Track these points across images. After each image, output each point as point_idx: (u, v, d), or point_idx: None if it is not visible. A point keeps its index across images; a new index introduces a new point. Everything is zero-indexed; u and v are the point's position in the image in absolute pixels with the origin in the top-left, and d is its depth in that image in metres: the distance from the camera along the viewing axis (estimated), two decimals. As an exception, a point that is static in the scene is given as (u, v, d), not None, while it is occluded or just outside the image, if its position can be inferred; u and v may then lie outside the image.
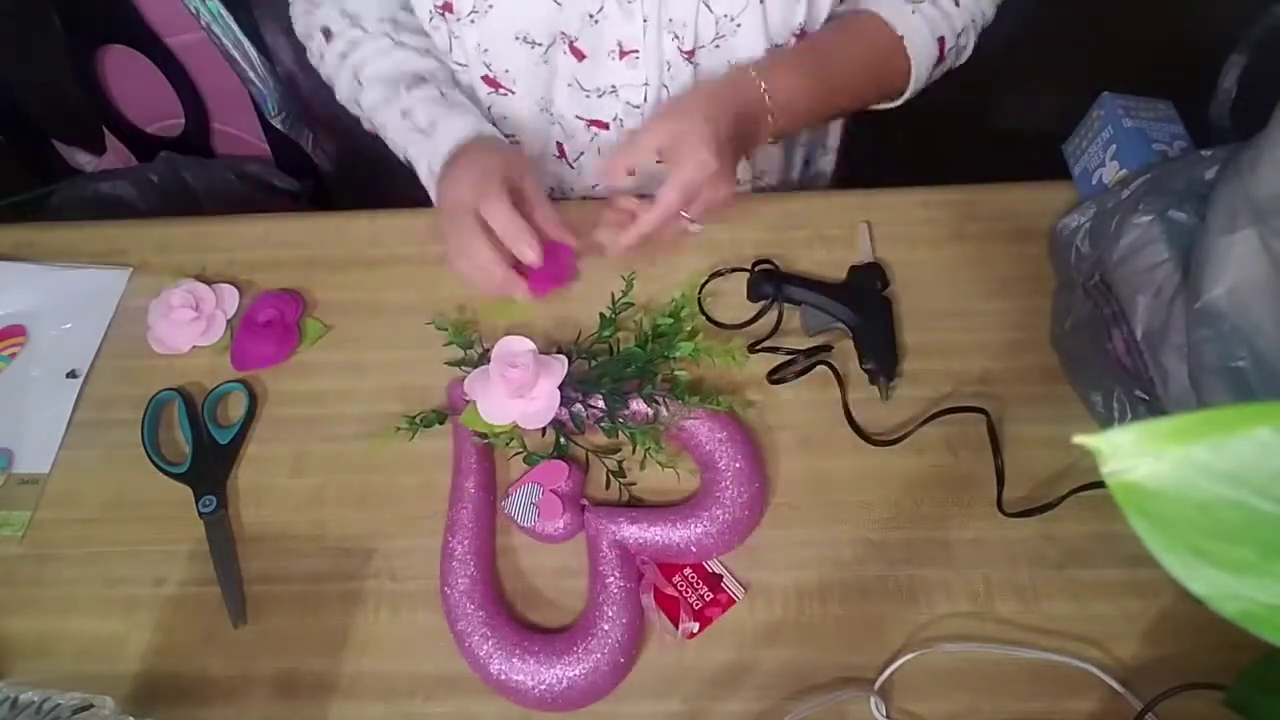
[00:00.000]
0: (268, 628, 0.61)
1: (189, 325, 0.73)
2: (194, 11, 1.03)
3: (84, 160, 1.26)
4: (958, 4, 0.70)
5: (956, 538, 0.61)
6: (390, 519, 0.65)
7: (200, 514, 0.65)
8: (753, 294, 0.72)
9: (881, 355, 0.68)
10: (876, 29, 0.68)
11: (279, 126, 1.16)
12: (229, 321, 0.75)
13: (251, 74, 1.09)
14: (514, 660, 0.56)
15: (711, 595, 0.60)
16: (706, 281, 0.73)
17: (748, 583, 0.60)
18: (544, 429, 0.65)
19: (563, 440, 0.66)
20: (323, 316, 0.75)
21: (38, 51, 1.09)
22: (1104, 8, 1.09)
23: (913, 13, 0.68)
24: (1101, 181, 0.71)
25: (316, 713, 0.57)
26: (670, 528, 0.60)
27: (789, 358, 0.68)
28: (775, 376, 0.68)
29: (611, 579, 0.58)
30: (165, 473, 0.67)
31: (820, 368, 0.68)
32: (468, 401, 0.65)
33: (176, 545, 0.64)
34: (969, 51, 0.73)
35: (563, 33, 0.67)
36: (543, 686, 0.55)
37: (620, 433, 0.65)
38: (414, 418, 0.67)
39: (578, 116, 0.75)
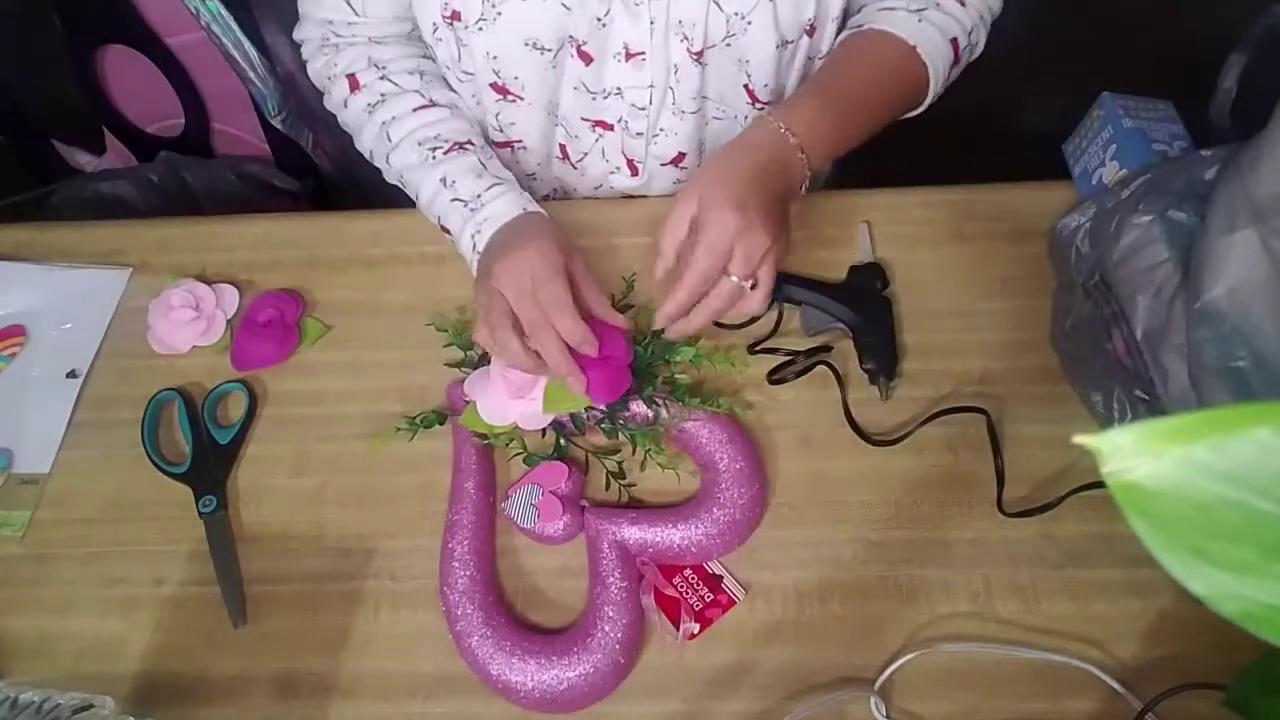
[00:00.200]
0: (268, 628, 0.61)
1: (189, 325, 0.73)
2: (194, 11, 1.03)
3: (84, 160, 1.26)
4: (963, 3, 0.69)
5: (956, 538, 0.61)
6: (390, 519, 0.65)
7: (200, 514, 0.65)
8: (753, 294, 0.72)
9: (881, 355, 0.68)
10: (886, 42, 0.68)
11: (279, 126, 1.16)
12: (229, 321, 0.75)
13: (251, 74, 1.09)
14: (514, 661, 0.56)
15: (712, 596, 0.60)
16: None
17: (748, 583, 0.60)
18: (544, 430, 0.65)
19: (563, 441, 0.66)
20: (323, 316, 0.75)
21: (38, 51, 1.09)
22: (1104, 8, 1.09)
23: (919, 21, 0.68)
24: (1101, 181, 0.71)
25: (316, 713, 0.57)
26: (670, 529, 0.60)
27: (789, 358, 0.68)
28: (775, 377, 0.68)
29: (612, 580, 0.58)
30: (165, 473, 0.67)
31: (820, 368, 0.68)
32: (468, 402, 0.65)
33: (176, 545, 0.64)
34: (981, 48, 0.73)
35: (571, 36, 0.67)
36: (543, 687, 0.55)
37: (620, 434, 0.65)
38: (414, 418, 0.67)
39: (583, 118, 0.75)
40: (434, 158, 0.71)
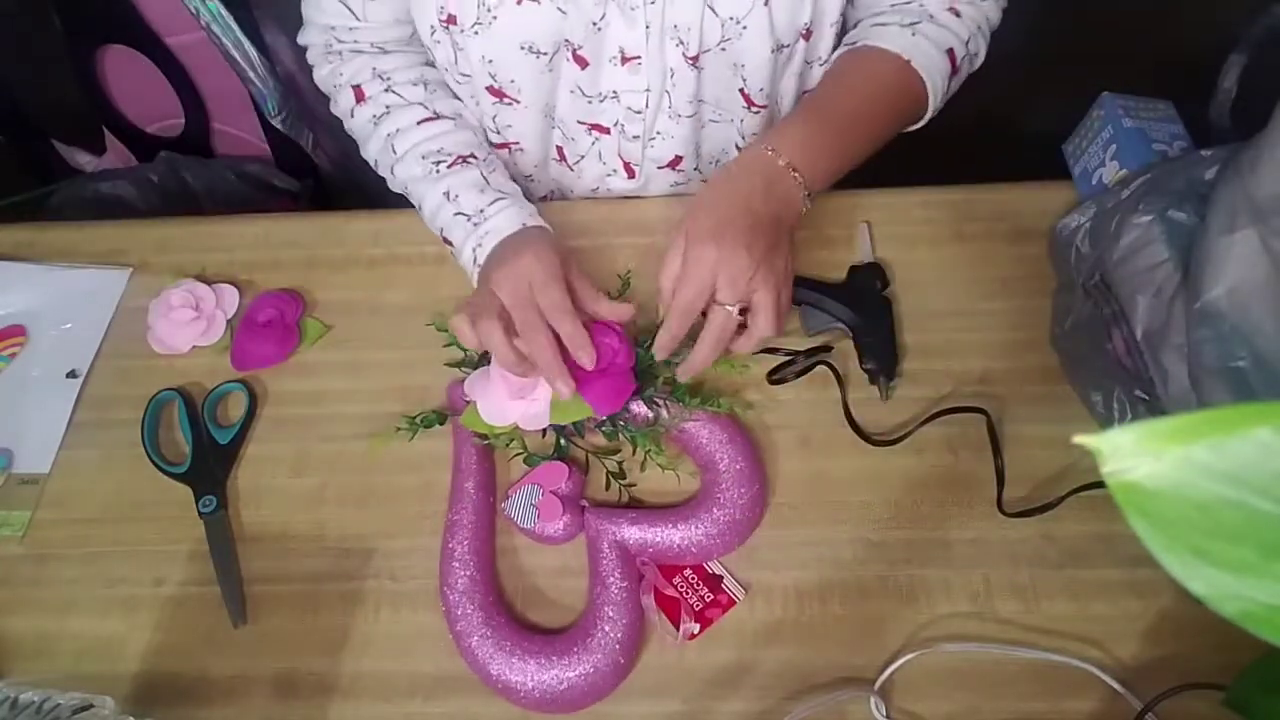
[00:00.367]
0: (268, 628, 0.61)
1: (189, 325, 0.73)
2: (194, 11, 1.03)
3: (84, 160, 1.26)
4: (958, 15, 0.69)
5: (956, 538, 0.61)
6: (390, 519, 0.65)
7: (200, 514, 0.65)
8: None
9: (881, 355, 0.68)
10: (878, 58, 0.68)
11: (279, 126, 1.16)
12: (229, 321, 0.75)
13: (251, 74, 1.09)
14: (514, 661, 0.56)
15: (712, 596, 0.60)
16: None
17: (748, 583, 0.60)
18: (544, 430, 0.65)
19: (563, 442, 0.66)
20: (323, 316, 0.75)
21: (38, 51, 1.09)
22: (1104, 8, 1.08)
23: (912, 35, 0.68)
24: (1101, 181, 0.71)
25: (316, 713, 0.57)
26: (670, 529, 0.60)
27: (789, 358, 0.68)
28: (775, 377, 0.68)
29: (612, 580, 0.58)
30: (165, 473, 0.67)
31: (820, 368, 0.68)
32: (468, 402, 0.65)
33: (176, 545, 0.64)
34: (981, 57, 0.73)
35: (567, 40, 0.67)
36: (543, 687, 0.55)
37: (620, 435, 0.65)
38: (414, 418, 0.67)
39: (579, 121, 0.75)
40: (438, 171, 0.71)
